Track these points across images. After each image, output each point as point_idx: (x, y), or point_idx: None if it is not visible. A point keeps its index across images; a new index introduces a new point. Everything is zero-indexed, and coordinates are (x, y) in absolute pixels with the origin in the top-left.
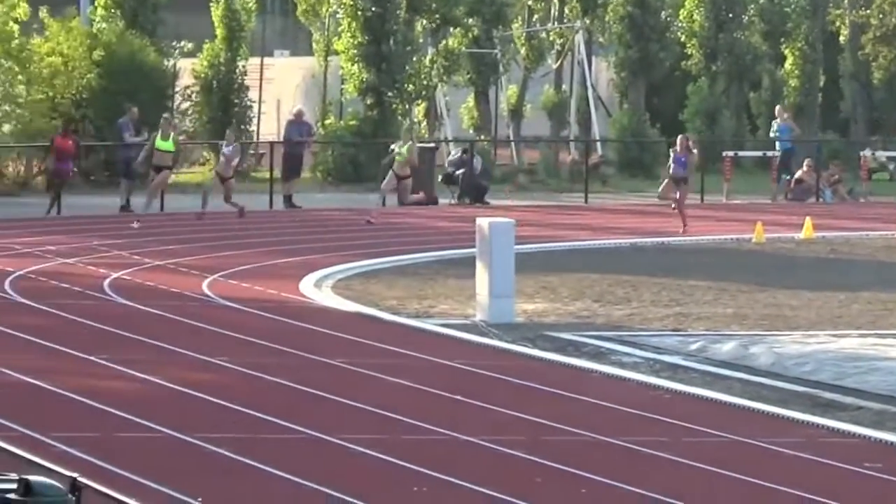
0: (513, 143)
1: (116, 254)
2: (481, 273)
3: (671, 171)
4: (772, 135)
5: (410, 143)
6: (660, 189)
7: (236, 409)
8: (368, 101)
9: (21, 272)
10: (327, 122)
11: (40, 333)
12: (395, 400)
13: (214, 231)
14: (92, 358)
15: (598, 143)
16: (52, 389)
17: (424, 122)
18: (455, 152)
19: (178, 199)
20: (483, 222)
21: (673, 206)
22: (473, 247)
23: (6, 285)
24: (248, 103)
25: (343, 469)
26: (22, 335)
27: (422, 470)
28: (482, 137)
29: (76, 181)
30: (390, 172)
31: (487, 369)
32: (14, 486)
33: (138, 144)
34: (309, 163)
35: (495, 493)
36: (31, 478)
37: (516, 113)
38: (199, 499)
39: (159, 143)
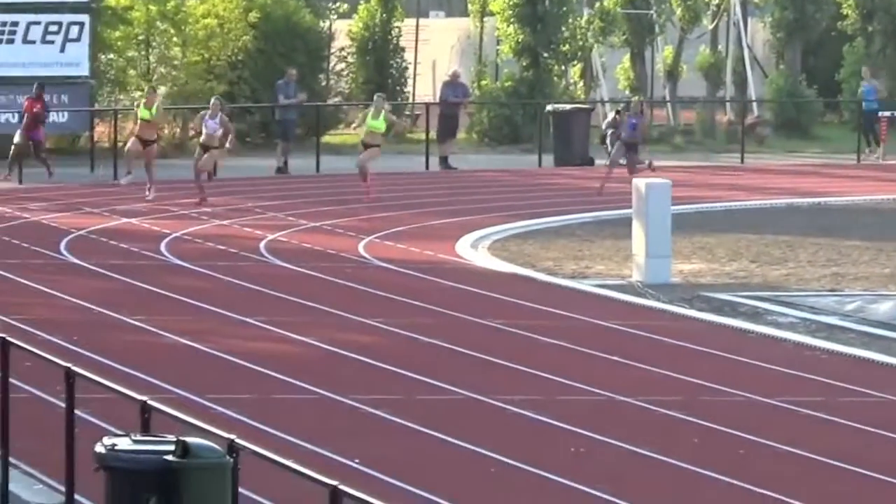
0: (669, 104)
1: (272, 215)
2: (637, 234)
3: (622, 135)
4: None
5: (384, 112)
6: (611, 155)
7: (392, 370)
8: (524, 62)
9: (177, 234)
10: (483, 83)
11: (196, 295)
12: (550, 360)
13: (371, 193)
14: (248, 319)
15: (755, 104)
16: (208, 351)
17: (581, 83)
18: (611, 114)
19: (333, 160)
20: (639, 183)
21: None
22: (630, 208)
23: (162, 247)
24: (404, 65)
25: (498, 429)
26: (178, 297)
27: (578, 430)
28: (639, 98)
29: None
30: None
31: (643, 330)
32: (172, 447)
33: (295, 106)
34: (464, 124)
35: (652, 454)
36: (189, 439)
37: (672, 74)
38: (356, 460)
39: (143, 112)
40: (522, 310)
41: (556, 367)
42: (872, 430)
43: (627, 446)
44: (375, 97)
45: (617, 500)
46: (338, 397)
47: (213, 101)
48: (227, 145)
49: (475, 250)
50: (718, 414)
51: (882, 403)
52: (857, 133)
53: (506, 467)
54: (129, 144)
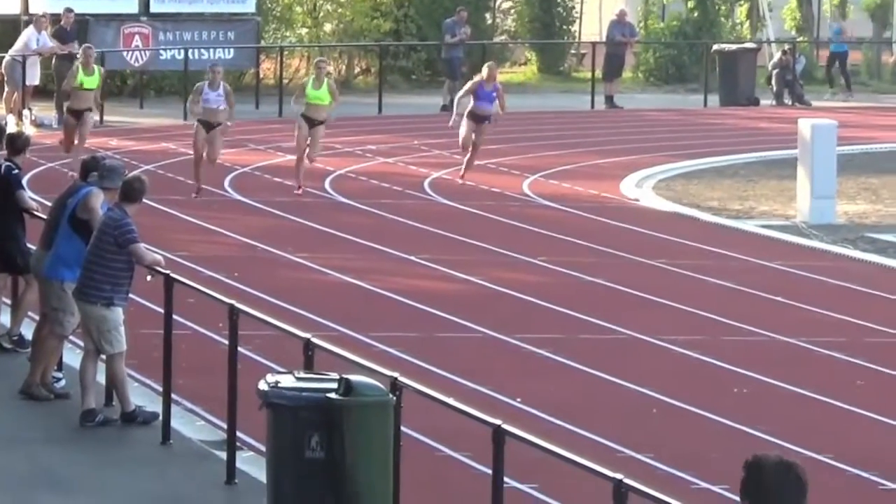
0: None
1: (437, 153)
2: (802, 174)
3: (472, 105)
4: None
5: (327, 80)
6: (461, 134)
7: (555, 309)
8: (690, 3)
9: (342, 171)
10: (649, 22)
11: (360, 233)
12: (714, 300)
13: (535, 131)
14: (412, 258)
15: None
16: (372, 289)
17: (747, 23)
18: (778, 54)
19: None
20: (804, 124)
21: (461, 179)
22: (795, 148)
23: (327, 184)
24: (570, 3)
25: (661, 370)
26: (342, 234)
27: (741, 371)
28: (804, 39)
29: (397, 80)
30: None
31: (808, 270)
32: (335, 385)
33: (461, 44)
34: (630, 63)
35: (816, 395)
36: (352, 377)
37: (839, 14)
38: (518, 399)
39: (81, 78)
40: (686, 249)
41: (720, 307)
42: None
43: (790, 387)
44: (317, 61)
45: (780, 441)
46: (501, 336)
47: (213, 67)
48: (228, 122)
49: (640, 189)
50: (883, 356)
51: None
52: None
53: (668, 408)
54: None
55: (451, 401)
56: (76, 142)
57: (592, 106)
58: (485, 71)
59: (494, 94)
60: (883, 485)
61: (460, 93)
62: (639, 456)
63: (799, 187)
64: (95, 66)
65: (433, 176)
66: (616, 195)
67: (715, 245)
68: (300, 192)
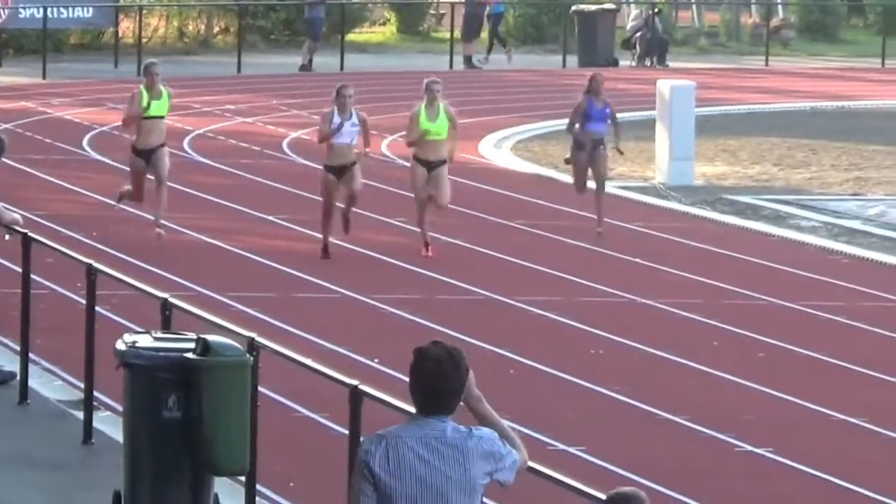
0: (693, 6)
1: (296, 113)
2: (661, 136)
3: (584, 127)
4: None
5: (442, 106)
6: (573, 175)
7: (412, 270)
8: None
9: (200, 131)
10: None
11: (219, 193)
12: (572, 261)
13: (394, 91)
14: (270, 218)
15: (780, 6)
16: (230, 249)
17: None
18: (636, 15)
19: (357, 58)
20: (663, 85)
21: (598, 230)
22: (654, 109)
23: (185, 144)
24: None
25: (519, 330)
26: (200, 194)
27: (598, 332)
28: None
29: (256, 40)
30: None
31: (666, 232)
32: (192, 345)
33: (322, 3)
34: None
35: (672, 356)
36: (210, 337)
37: None
38: (376, 359)
39: (146, 103)
40: (544, 210)
41: (578, 268)
42: (892, 334)
43: (646, 348)
44: (427, 83)
45: (635, 402)
46: (358, 296)
47: (341, 90)
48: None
49: (498, 150)
50: (739, 317)
51: None
52: (882, 37)
53: (525, 368)
54: None
55: (308, 361)
56: (157, 191)
57: (451, 66)
58: (590, 83)
59: (608, 112)
60: (739, 446)
61: (569, 120)
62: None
63: (657, 148)
64: (163, 87)
65: (292, 136)
66: (475, 156)
67: (573, 206)
68: (430, 254)
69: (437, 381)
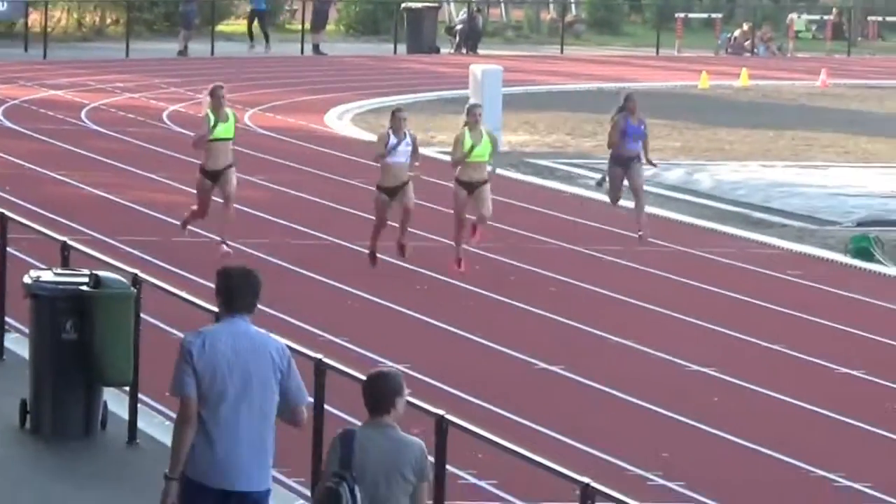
0: (502, 4)
1: (174, 90)
2: None
3: (621, 148)
4: None
5: (483, 129)
6: (607, 188)
7: (271, 220)
8: None
9: (95, 104)
10: None
11: (110, 155)
12: (398, 213)
13: (256, 72)
14: (153, 176)
15: (573, 4)
16: (119, 201)
17: None
18: (464, 12)
19: (226, 45)
20: (476, 68)
21: (640, 233)
22: (468, 88)
23: (82, 115)
24: None
25: (358, 270)
26: (95, 156)
27: (421, 271)
28: None
29: (142, 30)
30: None
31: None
32: (86, 279)
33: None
34: (334, 17)
35: (483, 291)
36: (101, 273)
37: None
38: None
39: (214, 125)
40: (377, 171)
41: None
42: (663, 274)
43: (463, 284)
44: (469, 107)
45: (463, 333)
46: (226, 241)
47: (397, 113)
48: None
49: (340, 121)
50: (537, 259)
51: (671, 253)
52: (657, 30)
53: (364, 301)
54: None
55: (183, 293)
56: (224, 209)
57: (302, 52)
58: (625, 102)
59: (642, 129)
60: (535, 363)
61: (609, 138)
62: (337, 340)
63: None
64: (229, 110)
65: (170, 109)
66: (321, 126)
67: None
68: (463, 269)
69: (237, 287)
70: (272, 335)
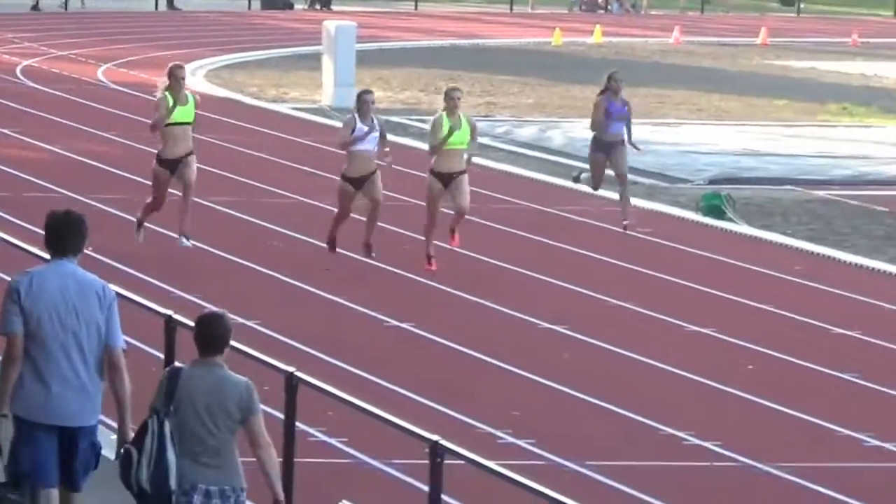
0: None
1: (28, 45)
2: (327, 66)
3: (603, 131)
4: None
5: (462, 115)
6: (592, 174)
7: (122, 175)
8: None
9: None
10: None
11: None
12: (252, 169)
13: (112, 28)
14: (5, 131)
15: None
16: None
17: None
18: None
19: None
20: (330, 25)
21: (625, 222)
22: (321, 45)
23: None
24: None
25: (210, 226)
26: None
27: (274, 227)
28: None
29: None
30: None
31: (329, 145)
32: None
33: None
34: None
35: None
36: None
37: None
38: (90, 248)
39: (170, 108)
40: (232, 128)
41: (255, 174)
42: (515, 231)
43: (310, 239)
44: (449, 90)
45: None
46: (78, 196)
47: (363, 96)
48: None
49: (194, 77)
50: (390, 217)
51: (524, 210)
52: None
53: (214, 258)
54: None
55: (34, 249)
56: (183, 199)
57: (156, 8)
58: (608, 82)
59: (626, 111)
60: (363, 313)
61: (592, 119)
62: (186, 295)
63: (324, 77)
64: (188, 93)
65: (24, 64)
66: None
67: (255, 124)
68: (433, 268)
69: (62, 230)
70: (102, 281)
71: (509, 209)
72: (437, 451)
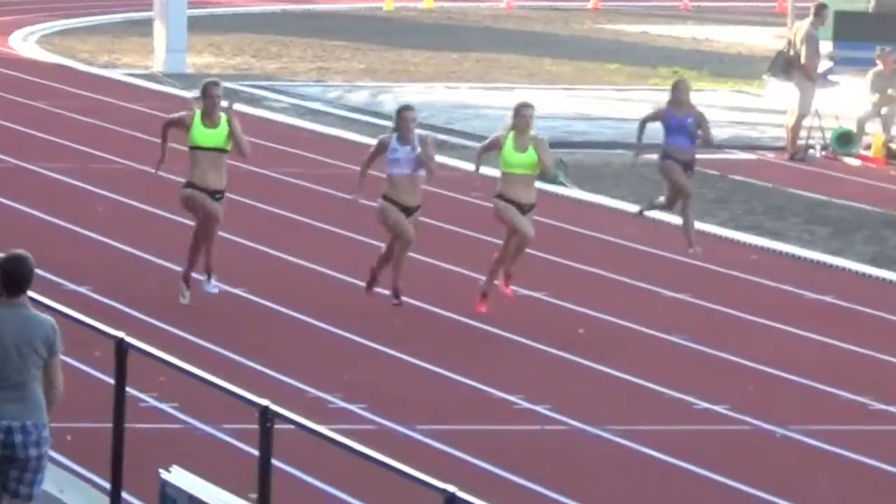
0: None
1: None
2: (159, 32)
3: (668, 145)
4: None
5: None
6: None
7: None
8: None
9: None
10: None
11: None
12: (84, 135)
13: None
14: None
15: None
16: None
17: None
18: None
19: None
20: None
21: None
22: (153, 10)
23: None
24: None
25: (41, 190)
26: None
27: (105, 192)
28: None
29: None
30: None
31: (162, 111)
32: None
33: None
34: None
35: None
36: None
37: None
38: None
39: (198, 130)
40: (65, 94)
41: (88, 140)
42: (340, 195)
43: (152, 208)
44: (519, 106)
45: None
46: (21, 162)
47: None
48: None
49: (25, 43)
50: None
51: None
52: None
53: (46, 224)
54: None
55: None
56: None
57: None
58: (673, 91)
59: (689, 122)
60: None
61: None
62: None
63: (156, 43)
64: (222, 115)
65: None
66: (6, 48)
67: (87, 90)
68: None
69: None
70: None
71: (338, 172)
72: (266, 416)
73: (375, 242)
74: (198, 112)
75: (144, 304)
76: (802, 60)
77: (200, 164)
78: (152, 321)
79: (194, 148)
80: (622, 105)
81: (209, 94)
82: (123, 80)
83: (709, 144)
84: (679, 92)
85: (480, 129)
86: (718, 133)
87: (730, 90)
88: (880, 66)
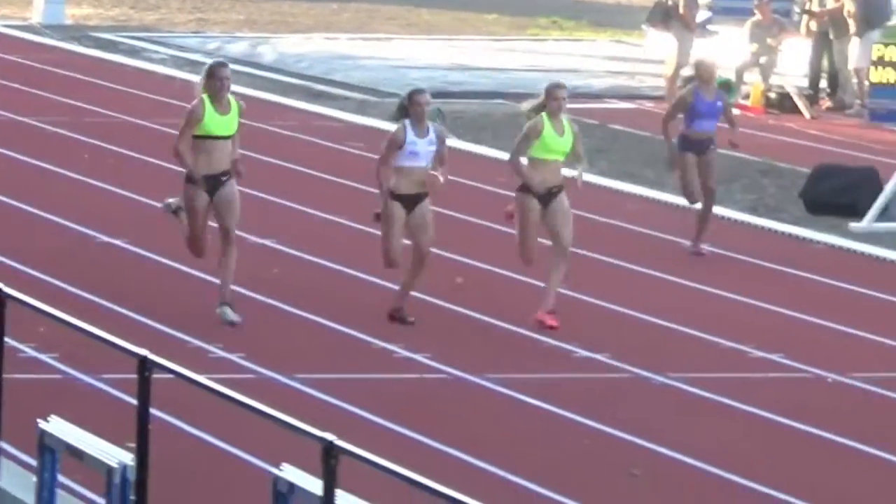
0: None
1: None
2: None
3: (690, 126)
4: None
5: (566, 120)
6: (682, 182)
7: None
8: None
9: None
10: None
11: None
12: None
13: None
14: None
15: None
16: None
17: None
18: None
19: None
20: None
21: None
22: None
23: None
24: None
25: (39, 143)
26: None
27: (102, 144)
28: None
29: None
30: None
31: (40, 62)
32: None
33: None
34: None
35: (52, 167)
36: None
37: None
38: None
39: (210, 118)
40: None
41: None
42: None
43: (33, 160)
44: (550, 87)
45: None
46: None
47: (416, 96)
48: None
49: None
50: (101, 133)
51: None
52: None
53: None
54: None
55: None
56: (223, 250)
57: None
58: (699, 69)
59: (720, 105)
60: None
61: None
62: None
63: None
64: (231, 98)
65: None
66: None
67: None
68: (555, 325)
69: None
70: None
71: (267, 131)
72: (145, 366)
73: (270, 197)
74: (205, 98)
75: (22, 255)
76: (681, 10)
77: (210, 152)
78: (30, 271)
79: (205, 137)
80: (501, 55)
81: (217, 76)
82: (1, 31)
83: (732, 125)
84: (705, 71)
85: (360, 80)
86: (595, 83)
87: (609, 40)
88: (758, 16)
